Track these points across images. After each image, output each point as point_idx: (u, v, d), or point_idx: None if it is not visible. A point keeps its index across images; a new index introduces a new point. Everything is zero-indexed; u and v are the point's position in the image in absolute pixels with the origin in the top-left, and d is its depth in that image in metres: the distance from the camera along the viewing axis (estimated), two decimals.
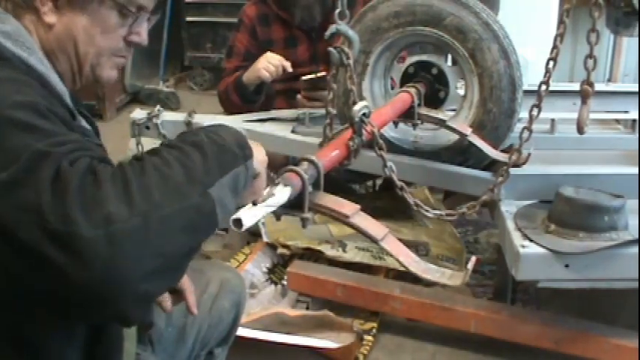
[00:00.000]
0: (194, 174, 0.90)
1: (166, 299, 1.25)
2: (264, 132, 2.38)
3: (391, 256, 1.49)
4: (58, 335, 0.99)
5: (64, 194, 0.81)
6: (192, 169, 0.90)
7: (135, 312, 0.86)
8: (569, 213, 1.77)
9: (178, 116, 2.50)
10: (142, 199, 0.83)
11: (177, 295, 1.28)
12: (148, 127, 2.44)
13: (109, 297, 0.81)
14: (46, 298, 0.85)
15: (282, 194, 1.19)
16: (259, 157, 1.07)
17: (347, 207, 1.45)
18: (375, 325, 2.12)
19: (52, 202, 0.80)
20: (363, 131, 1.60)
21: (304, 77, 2.53)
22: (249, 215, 1.09)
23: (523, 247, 1.73)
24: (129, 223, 0.81)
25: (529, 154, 1.89)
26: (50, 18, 1.04)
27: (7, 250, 0.82)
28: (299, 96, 2.61)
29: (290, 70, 2.52)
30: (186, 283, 1.28)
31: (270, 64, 2.51)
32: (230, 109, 2.65)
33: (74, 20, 1.05)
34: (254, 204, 1.12)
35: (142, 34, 1.13)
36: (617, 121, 2.59)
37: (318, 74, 2.52)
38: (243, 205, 1.08)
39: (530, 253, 1.72)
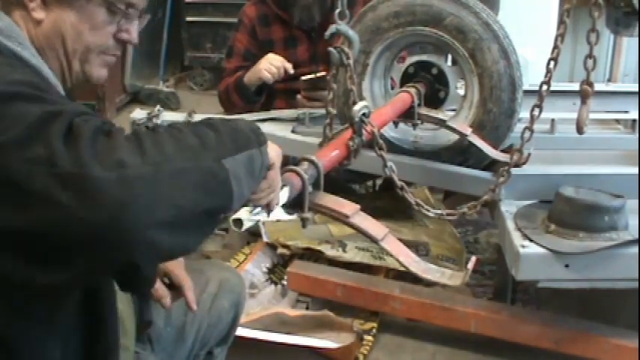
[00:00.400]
0: (208, 143, 0.89)
1: (165, 295, 1.25)
2: (264, 132, 2.37)
3: (391, 256, 1.49)
4: (55, 337, 0.99)
5: (76, 142, 0.81)
6: (205, 139, 0.89)
7: (146, 261, 0.84)
8: (569, 213, 1.78)
9: (178, 116, 2.50)
10: (155, 152, 0.83)
11: (177, 291, 1.28)
12: (148, 127, 2.43)
13: (120, 240, 0.80)
14: (54, 250, 0.82)
15: (281, 194, 1.19)
16: (274, 150, 1.06)
17: (347, 207, 1.45)
18: (375, 325, 2.12)
19: (64, 149, 0.80)
20: (363, 131, 1.60)
21: (304, 77, 2.53)
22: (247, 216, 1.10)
23: (523, 247, 1.73)
24: (141, 169, 0.81)
25: (529, 154, 1.89)
26: (39, 14, 1.03)
27: (20, 206, 0.80)
28: (299, 96, 2.61)
29: (291, 71, 2.52)
30: (184, 279, 1.28)
31: (271, 65, 2.51)
32: (230, 110, 2.65)
33: (62, 16, 1.04)
34: (268, 210, 1.11)
35: (131, 32, 1.11)
36: (617, 121, 2.59)
37: (318, 74, 2.52)
38: (259, 201, 1.08)
39: (530, 253, 1.72)
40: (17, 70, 0.93)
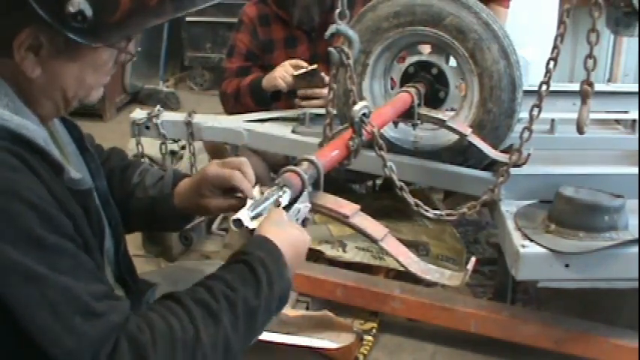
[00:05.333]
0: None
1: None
2: (264, 132, 2.38)
3: (391, 256, 1.49)
4: None
5: None
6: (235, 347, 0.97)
7: None
8: (569, 213, 1.78)
9: (178, 116, 2.50)
10: None
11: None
12: (147, 127, 2.44)
13: None
14: None
15: (282, 198, 1.19)
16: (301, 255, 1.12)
17: (347, 207, 1.45)
18: (375, 325, 2.12)
19: None
20: (363, 131, 1.60)
21: (295, 73, 2.51)
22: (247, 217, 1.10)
23: (523, 247, 1.73)
24: None
25: (529, 155, 1.89)
26: (33, 72, 0.95)
27: None
28: (296, 100, 2.60)
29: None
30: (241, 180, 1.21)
31: (287, 74, 2.51)
32: (236, 110, 2.63)
33: (62, 69, 0.97)
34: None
35: (129, 47, 1.06)
36: (617, 121, 2.59)
37: (309, 67, 2.50)
38: None
39: (530, 253, 1.72)
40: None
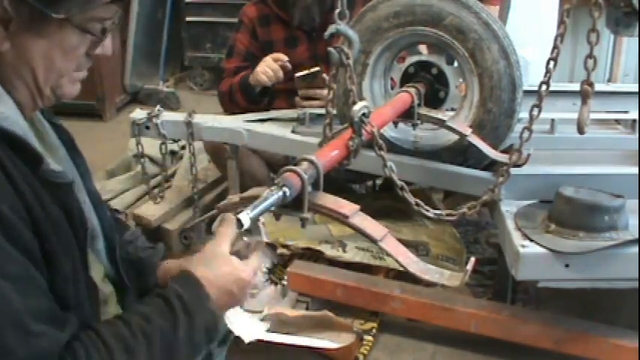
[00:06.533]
0: None
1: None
2: (264, 132, 2.38)
3: (390, 256, 1.49)
4: None
5: None
6: None
7: None
8: (569, 213, 1.77)
9: (178, 116, 2.50)
10: None
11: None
12: (147, 127, 2.44)
13: None
14: None
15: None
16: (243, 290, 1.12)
17: (346, 207, 1.45)
18: (375, 325, 2.12)
19: None
20: (363, 131, 1.60)
21: (298, 74, 2.51)
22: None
23: (523, 247, 1.73)
24: None
25: (529, 155, 1.89)
26: (2, 45, 0.94)
27: None
28: (297, 98, 2.60)
29: (289, 66, 2.52)
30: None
31: (268, 68, 2.51)
32: (232, 109, 2.65)
33: (30, 45, 0.96)
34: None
35: (105, 45, 1.04)
36: (617, 121, 2.59)
37: (312, 69, 2.50)
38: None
39: (530, 253, 1.72)
40: None
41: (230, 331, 1.49)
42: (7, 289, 0.88)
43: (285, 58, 2.51)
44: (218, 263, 1.09)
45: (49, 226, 0.96)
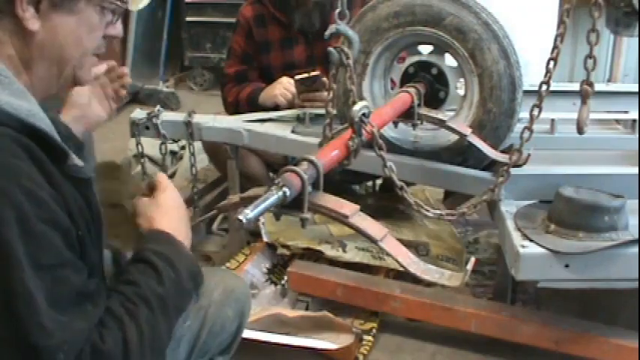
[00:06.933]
0: (163, 341, 1.07)
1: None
2: (264, 132, 2.37)
3: (390, 256, 1.49)
4: None
5: None
6: (162, 334, 1.06)
7: None
8: (569, 213, 1.77)
9: (178, 116, 2.50)
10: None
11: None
12: (147, 127, 2.43)
13: None
14: None
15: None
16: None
17: (346, 207, 1.45)
18: (375, 325, 2.12)
19: None
20: (363, 131, 1.60)
21: (297, 77, 2.52)
22: None
23: (523, 247, 1.73)
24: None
25: (529, 155, 1.89)
26: (33, 25, 0.97)
27: None
28: (296, 101, 2.60)
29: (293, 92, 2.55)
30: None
31: (287, 91, 2.53)
32: (235, 114, 2.64)
33: (60, 24, 1.00)
34: None
35: (117, 26, 1.10)
36: (617, 121, 2.59)
37: (311, 73, 2.50)
38: None
39: (530, 253, 1.72)
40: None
41: (234, 340, 1.48)
42: (66, 270, 0.95)
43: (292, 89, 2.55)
44: (174, 211, 1.19)
45: (79, 215, 0.99)
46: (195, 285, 1.14)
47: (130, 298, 1.04)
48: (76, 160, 1.01)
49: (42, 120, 0.97)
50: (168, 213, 1.18)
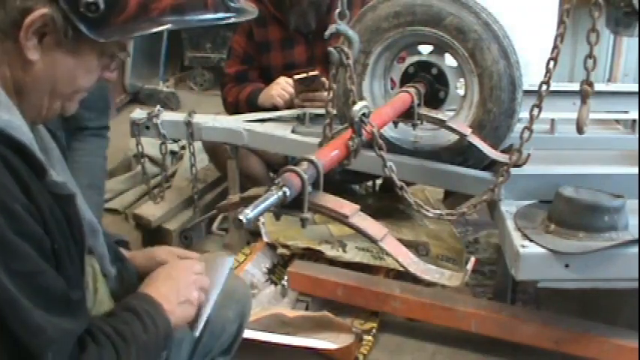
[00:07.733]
0: None
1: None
2: (264, 132, 2.38)
3: (390, 256, 1.49)
4: None
5: None
6: None
7: None
8: (569, 213, 1.77)
9: (178, 116, 2.50)
10: None
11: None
12: (147, 127, 2.44)
13: None
14: None
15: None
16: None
17: (346, 207, 1.45)
18: (375, 325, 2.12)
19: None
20: (363, 131, 1.60)
21: (296, 77, 2.52)
22: None
23: (523, 247, 1.73)
24: None
25: (529, 155, 1.89)
26: (33, 55, 0.98)
27: None
28: (295, 101, 2.61)
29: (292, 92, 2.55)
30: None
31: (284, 91, 2.54)
32: (235, 114, 2.65)
33: (59, 60, 1.01)
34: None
35: (113, 70, 1.11)
36: (617, 121, 2.59)
37: (310, 73, 2.50)
38: None
39: (530, 253, 1.72)
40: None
41: (235, 341, 1.48)
42: (44, 277, 0.95)
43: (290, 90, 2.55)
44: (174, 282, 1.19)
45: (56, 229, 0.99)
46: (165, 345, 1.15)
47: (120, 332, 1.06)
48: (55, 177, 1.00)
49: (23, 134, 0.96)
50: (167, 283, 1.18)
